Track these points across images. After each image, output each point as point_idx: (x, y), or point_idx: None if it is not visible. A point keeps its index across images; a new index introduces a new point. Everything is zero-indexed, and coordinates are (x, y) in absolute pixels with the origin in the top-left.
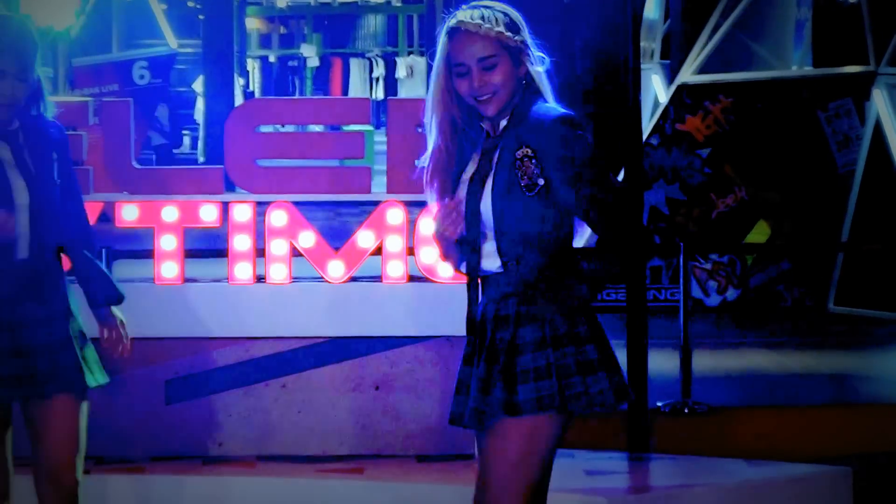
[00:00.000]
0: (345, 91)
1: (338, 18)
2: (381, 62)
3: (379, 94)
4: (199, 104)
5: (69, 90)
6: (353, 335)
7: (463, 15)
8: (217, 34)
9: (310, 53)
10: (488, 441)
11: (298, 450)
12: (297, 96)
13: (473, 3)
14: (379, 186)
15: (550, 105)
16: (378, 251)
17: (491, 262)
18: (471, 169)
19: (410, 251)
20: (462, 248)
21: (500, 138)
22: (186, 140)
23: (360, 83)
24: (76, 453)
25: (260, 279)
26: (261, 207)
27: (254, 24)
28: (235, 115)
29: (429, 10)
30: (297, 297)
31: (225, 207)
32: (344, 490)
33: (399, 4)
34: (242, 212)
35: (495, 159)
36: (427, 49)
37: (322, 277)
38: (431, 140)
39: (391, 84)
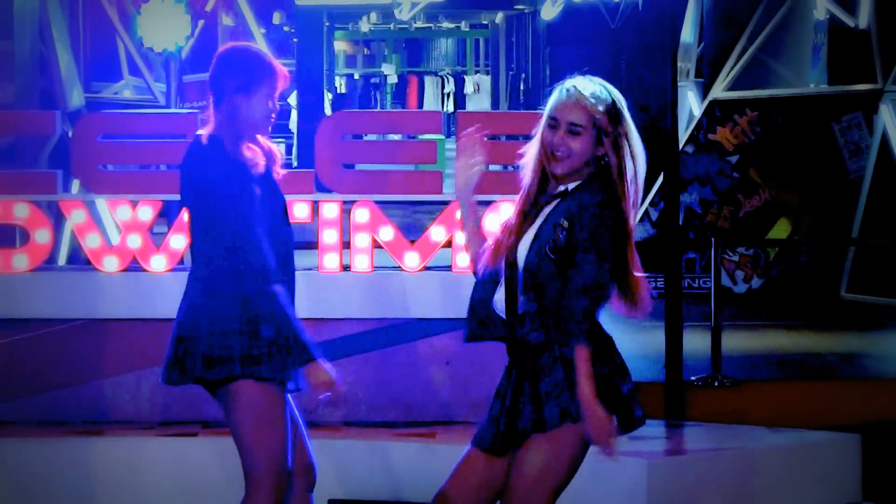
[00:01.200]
0: (420, 105)
1: (414, 41)
2: (451, 79)
3: (449, 107)
4: (293, 115)
5: (179, 103)
6: (426, 317)
7: (579, 82)
8: (309, 55)
9: (389, 72)
10: (518, 454)
11: (378, 416)
12: (378, 109)
13: (597, 80)
14: (449, 188)
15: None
16: (448, 244)
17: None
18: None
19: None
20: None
21: (557, 199)
22: (282, 147)
23: (433, 98)
24: None
25: (346, 268)
26: (346, 206)
27: (341, 46)
28: (325, 125)
29: (493, 34)
30: (377, 284)
31: (315, 205)
32: (417, 452)
33: (467, 29)
34: (330, 209)
35: (544, 214)
36: (492, 68)
37: (399, 267)
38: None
39: (460, 99)
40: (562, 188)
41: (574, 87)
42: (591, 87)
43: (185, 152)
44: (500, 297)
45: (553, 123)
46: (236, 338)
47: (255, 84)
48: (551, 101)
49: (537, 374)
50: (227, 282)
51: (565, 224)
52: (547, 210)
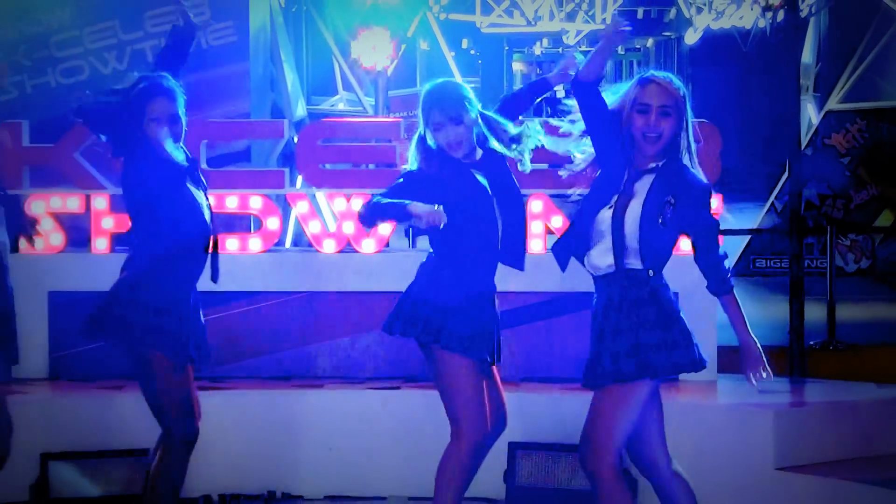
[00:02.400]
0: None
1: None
2: None
3: None
4: None
5: (386, 114)
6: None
7: (655, 73)
8: (492, 74)
9: (558, 88)
10: (598, 398)
11: (550, 373)
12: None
13: (664, 72)
14: None
15: (697, 172)
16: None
17: (607, 262)
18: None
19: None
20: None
21: (651, 175)
22: None
23: None
24: None
25: None
26: (523, 198)
27: (518, 66)
28: None
29: (644, 56)
30: (549, 262)
31: None
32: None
33: (623, 52)
34: None
35: (644, 190)
36: None
37: None
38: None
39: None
40: (651, 165)
41: (655, 75)
42: (668, 75)
43: None
44: (596, 254)
45: (643, 109)
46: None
47: None
48: (635, 91)
49: (634, 322)
50: None
51: (672, 200)
52: (640, 185)
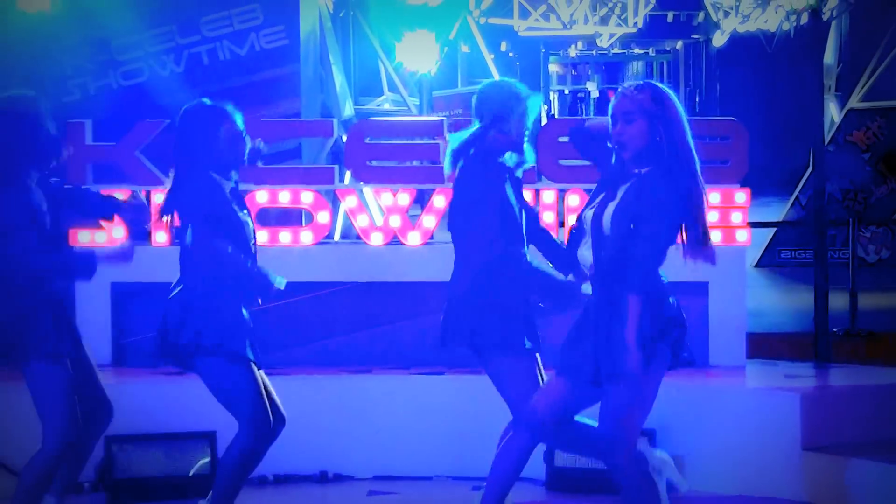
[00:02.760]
0: None
1: (612, 64)
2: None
3: None
4: None
5: (429, 113)
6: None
7: (628, 83)
8: (529, 75)
9: (592, 88)
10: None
11: None
12: (583, 117)
13: (644, 81)
14: None
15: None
16: None
17: (589, 260)
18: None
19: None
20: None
21: (632, 180)
22: None
23: None
24: None
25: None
26: (561, 193)
27: (554, 68)
28: (543, 130)
29: (674, 58)
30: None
31: (537, 193)
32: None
33: (654, 54)
34: (549, 196)
35: (620, 192)
36: (673, 85)
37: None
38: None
39: None
40: (637, 171)
41: (625, 85)
42: (640, 83)
43: None
44: (582, 251)
45: (613, 119)
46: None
47: None
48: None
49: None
50: None
51: (632, 199)
52: (622, 189)
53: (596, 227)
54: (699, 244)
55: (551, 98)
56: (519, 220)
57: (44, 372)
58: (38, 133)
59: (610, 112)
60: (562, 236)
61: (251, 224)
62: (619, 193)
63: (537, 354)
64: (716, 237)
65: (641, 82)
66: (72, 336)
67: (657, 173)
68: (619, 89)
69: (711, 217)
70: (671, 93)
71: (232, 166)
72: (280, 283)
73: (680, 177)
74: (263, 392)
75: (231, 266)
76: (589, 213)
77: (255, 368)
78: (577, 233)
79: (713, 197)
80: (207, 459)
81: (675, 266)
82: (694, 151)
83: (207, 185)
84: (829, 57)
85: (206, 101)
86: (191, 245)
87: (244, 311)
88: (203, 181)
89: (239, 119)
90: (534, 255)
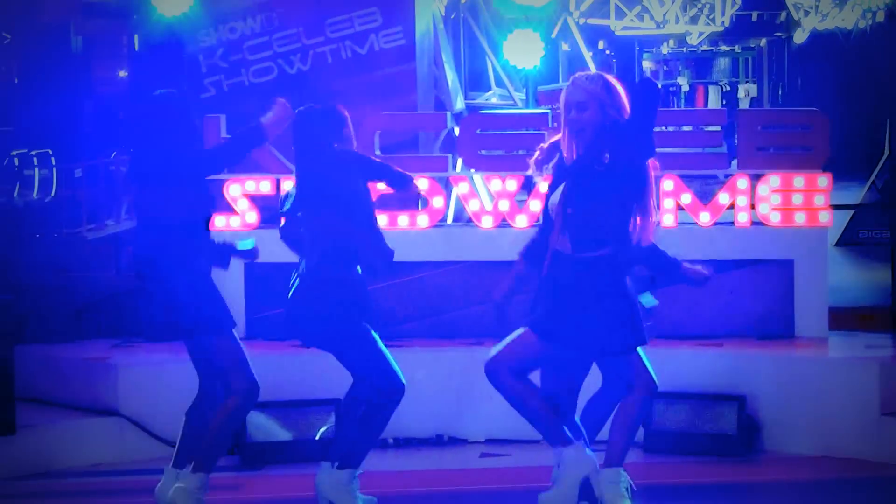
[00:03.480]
0: (705, 106)
1: (700, 60)
2: (728, 88)
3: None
4: None
5: (534, 106)
6: (715, 259)
7: (579, 74)
8: (625, 70)
9: (682, 82)
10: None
11: (686, 331)
12: (675, 108)
13: (595, 73)
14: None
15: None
16: (731, 206)
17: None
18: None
19: (752, 206)
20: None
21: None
22: None
23: (716, 101)
24: None
25: (656, 224)
26: (656, 178)
27: (647, 64)
28: None
29: (758, 53)
30: (680, 235)
31: None
32: (708, 354)
33: (739, 51)
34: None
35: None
36: (757, 79)
37: (695, 222)
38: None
39: (734, 102)
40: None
41: (576, 77)
42: (589, 75)
43: None
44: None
45: (566, 106)
46: None
47: None
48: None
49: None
50: None
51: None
52: (586, 178)
53: (562, 212)
54: (648, 217)
55: None
56: None
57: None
58: (189, 125)
59: (563, 102)
60: (657, 218)
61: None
62: (588, 182)
63: None
64: (800, 219)
65: (593, 73)
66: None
67: (620, 160)
68: (571, 79)
69: (796, 200)
70: (618, 84)
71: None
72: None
73: (633, 157)
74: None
75: (355, 243)
76: (556, 199)
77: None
78: (546, 221)
79: (797, 181)
80: (331, 425)
81: (761, 245)
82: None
83: (335, 165)
84: None
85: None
86: (316, 224)
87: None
88: (331, 164)
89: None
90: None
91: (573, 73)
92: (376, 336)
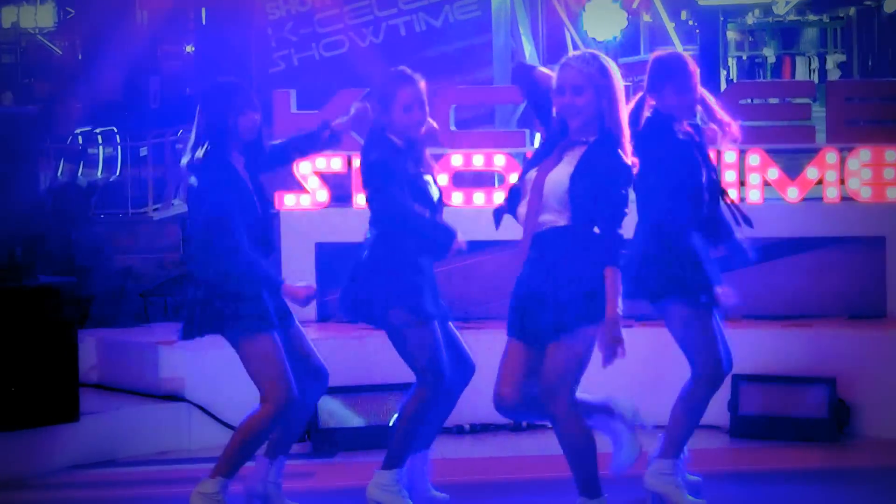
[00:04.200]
0: (792, 78)
1: (787, 30)
2: (816, 59)
3: (815, 79)
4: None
5: None
6: (805, 236)
7: (573, 55)
8: (708, 42)
9: (769, 54)
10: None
11: (765, 310)
12: (761, 80)
13: (590, 53)
14: (819, 139)
15: (625, 152)
16: (820, 181)
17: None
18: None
19: (842, 181)
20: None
21: (582, 147)
22: None
23: (803, 73)
24: None
25: (742, 200)
26: (742, 153)
27: (732, 35)
28: (724, 94)
29: (847, 23)
30: (767, 212)
31: (718, 153)
32: (797, 335)
33: (827, 20)
34: (730, 155)
35: (576, 159)
36: (846, 50)
37: (783, 198)
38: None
39: (822, 73)
40: (584, 139)
41: (569, 58)
42: (585, 55)
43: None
44: (522, 210)
45: (560, 90)
46: None
47: None
48: (555, 75)
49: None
50: None
51: (589, 166)
52: (571, 154)
53: (537, 188)
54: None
55: (730, 64)
56: None
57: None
58: (245, 116)
59: (556, 82)
60: (742, 194)
61: (434, 185)
62: (569, 159)
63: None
64: (892, 194)
65: (587, 54)
66: (280, 310)
67: (607, 143)
68: (563, 60)
69: (887, 174)
70: (614, 65)
71: (409, 131)
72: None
73: (619, 146)
74: (442, 348)
75: (415, 223)
76: (532, 174)
77: (437, 324)
78: (515, 192)
79: (888, 155)
80: None
81: (851, 221)
82: (624, 124)
83: (388, 148)
84: None
85: (399, 68)
86: (379, 203)
87: (427, 267)
88: (385, 145)
89: (420, 86)
90: None
91: (654, 45)
92: (427, 323)
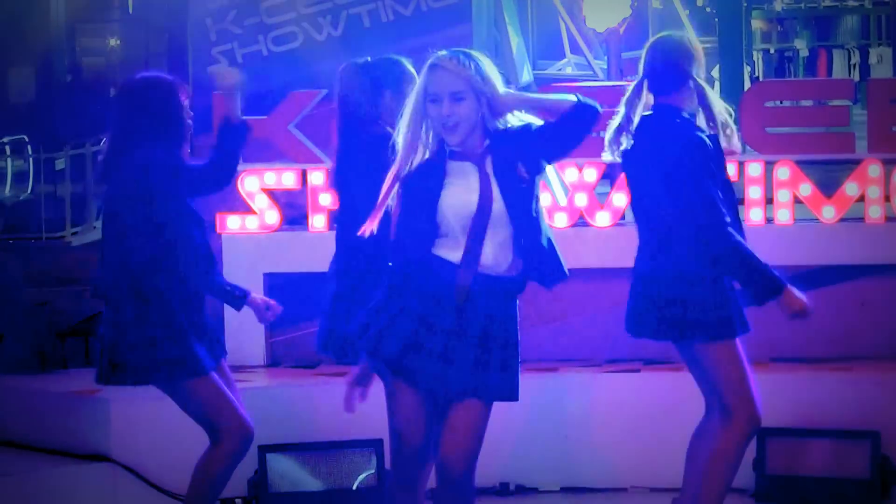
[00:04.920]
0: (828, 75)
1: (823, 18)
2: (856, 52)
3: (856, 76)
4: (716, 87)
5: (620, 78)
6: (843, 263)
7: (441, 54)
8: (729, 32)
9: (801, 46)
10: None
11: (802, 352)
12: (792, 79)
13: (460, 50)
14: (861, 148)
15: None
16: (861, 198)
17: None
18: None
19: (887, 198)
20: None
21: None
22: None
23: (841, 68)
24: None
25: (769, 221)
26: (769, 165)
27: (757, 24)
28: (748, 94)
29: (893, 10)
30: (798, 235)
31: (741, 165)
32: (833, 381)
33: (870, 7)
34: (755, 168)
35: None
36: (892, 41)
37: (817, 219)
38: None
39: (864, 69)
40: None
41: (441, 59)
42: (456, 54)
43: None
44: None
45: (435, 98)
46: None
47: None
48: (423, 81)
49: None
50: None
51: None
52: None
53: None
54: None
55: (755, 58)
56: None
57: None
58: (179, 118)
59: (422, 90)
60: (770, 214)
61: None
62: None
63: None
64: None
65: (458, 51)
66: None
67: (505, 135)
68: (432, 61)
69: None
70: (489, 60)
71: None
72: None
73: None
74: None
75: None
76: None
77: None
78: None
79: None
80: (373, 471)
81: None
82: None
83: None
84: None
85: (367, 59)
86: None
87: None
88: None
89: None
90: None
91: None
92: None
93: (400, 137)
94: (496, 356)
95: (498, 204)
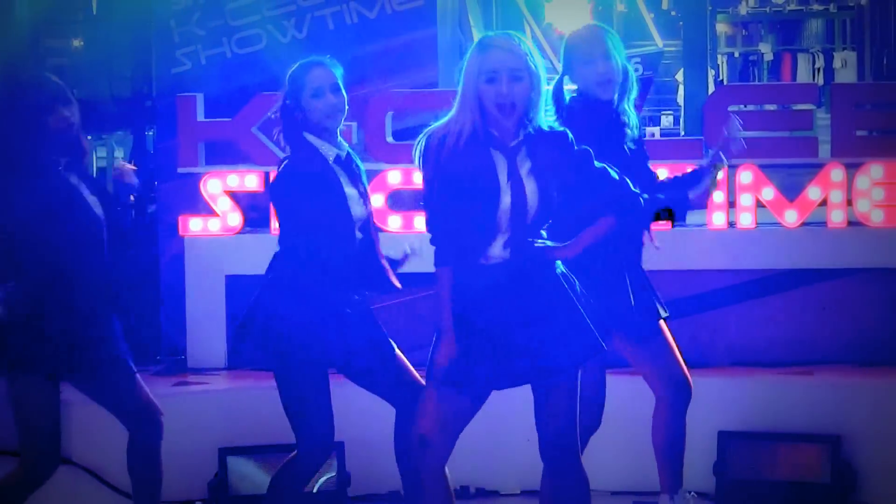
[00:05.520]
0: (793, 79)
1: (787, 22)
2: (821, 56)
3: (820, 80)
4: (681, 91)
5: None
6: (803, 267)
7: (493, 34)
8: (694, 36)
9: (765, 50)
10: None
11: (764, 357)
12: (756, 83)
13: (507, 32)
14: (824, 153)
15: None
16: (823, 202)
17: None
18: None
19: (849, 202)
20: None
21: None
22: (669, 119)
23: (805, 72)
24: None
25: (731, 225)
26: (731, 169)
27: (722, 27)
28: (712, 98)
29: (858, 15)
30: (760, 239)
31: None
32: (798, 386)
33: (835, 11)
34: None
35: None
36: (857, 46)
37: (780, 223)
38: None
39: (829, 73)
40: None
41: (493, 39)
42: (507, 35)
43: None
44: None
45: (492, 77)
46: None
47: None
48: (478, 61)
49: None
50: None
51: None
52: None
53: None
54: None
55: (719, 62)
56: None
57: None
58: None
59: (475, 70)
60: (732, 218)
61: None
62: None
63: None
64: None
65: (507, 32)
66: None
67: (546, 133)
68: (485, 41)
69: None
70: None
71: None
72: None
73: None
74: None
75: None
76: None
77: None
78: (469, 237)
79: None
80: (333, 474)
81: (860, 250)
82: None
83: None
84: None
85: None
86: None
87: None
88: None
89: (338, 73)
90: None
91: (631, 40)
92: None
93: (444, 125)
94: (557, 326)
95: (532, 200)
